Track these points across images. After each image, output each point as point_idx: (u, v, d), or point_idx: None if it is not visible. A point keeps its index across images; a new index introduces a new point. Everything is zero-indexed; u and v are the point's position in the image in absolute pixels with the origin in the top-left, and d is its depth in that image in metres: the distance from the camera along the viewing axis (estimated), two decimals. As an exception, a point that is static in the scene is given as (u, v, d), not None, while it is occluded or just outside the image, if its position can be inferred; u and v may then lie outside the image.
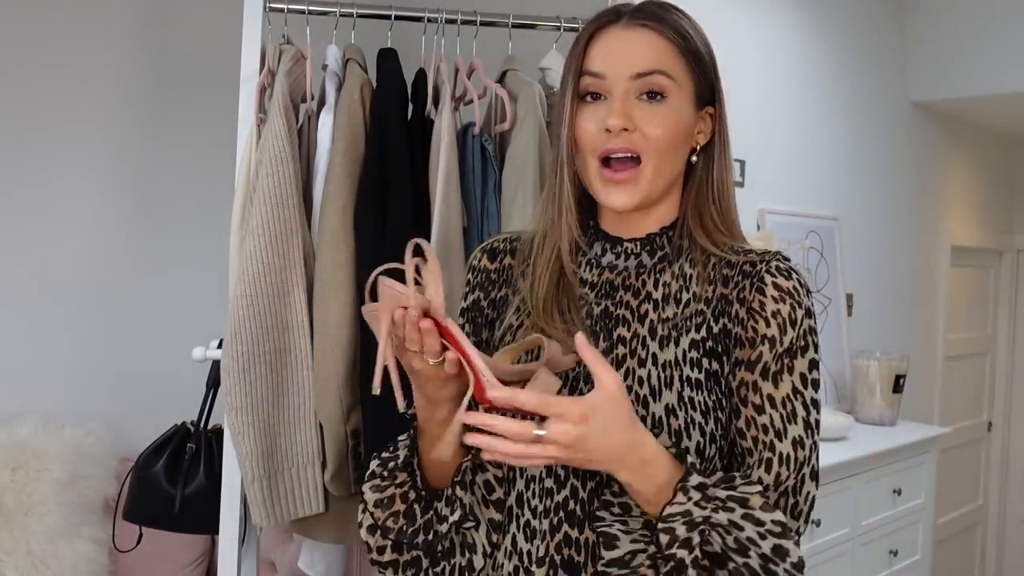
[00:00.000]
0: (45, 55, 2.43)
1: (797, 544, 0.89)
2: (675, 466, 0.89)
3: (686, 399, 0.96)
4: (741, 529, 0.86)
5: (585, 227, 1.08)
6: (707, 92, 1.04)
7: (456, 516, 0.98)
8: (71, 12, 2.45)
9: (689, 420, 0.95)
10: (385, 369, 0.86)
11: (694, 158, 1.04)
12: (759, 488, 0.89)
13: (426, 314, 0.85)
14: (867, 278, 3.53)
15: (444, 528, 0.99)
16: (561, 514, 0.97)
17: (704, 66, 1.03)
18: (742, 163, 2.88)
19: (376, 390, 0.85)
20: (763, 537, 0.86)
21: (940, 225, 4.06)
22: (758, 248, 1.03)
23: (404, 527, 0.99)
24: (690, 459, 0.90)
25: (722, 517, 0.86)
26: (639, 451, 0.86)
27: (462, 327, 1.10)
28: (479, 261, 1.13)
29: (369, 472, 1.03)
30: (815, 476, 0.95)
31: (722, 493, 0.87)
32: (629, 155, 0.98)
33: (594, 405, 0.82)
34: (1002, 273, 4.73)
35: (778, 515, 0.88)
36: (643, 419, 0.95)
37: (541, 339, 0.93)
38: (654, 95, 0.98)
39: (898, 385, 3.11)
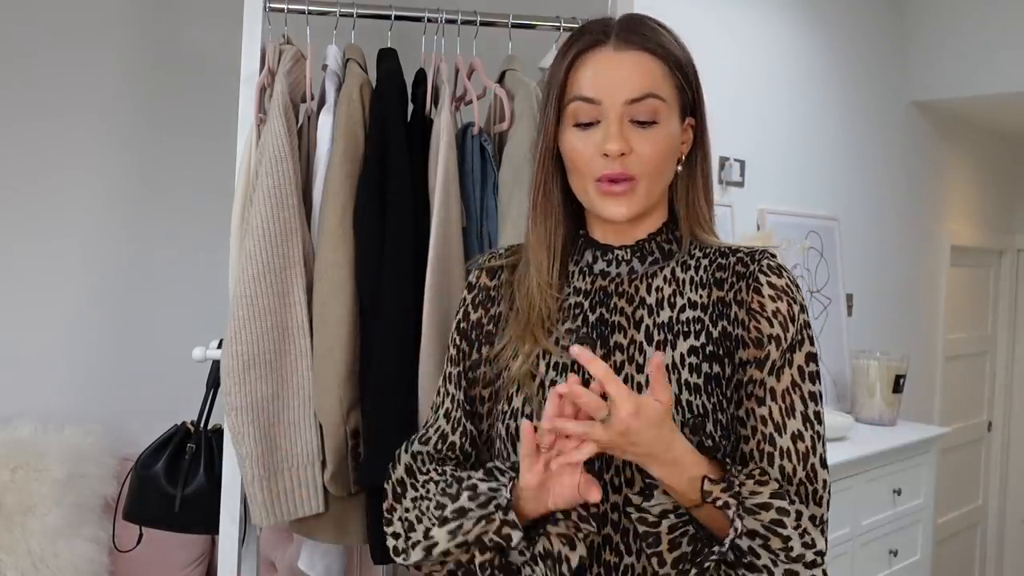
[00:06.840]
0: (46, 56, 2.43)
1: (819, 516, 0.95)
2: (704, 462, 0.93)
3: (683, 403, 0.98)
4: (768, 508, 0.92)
5: (574, 237, 1.11)
6: (689, 103, 1.06)
7: None
8: (71, 14, 2.46)
9: (684, 423, 0.98)
10: None
11: (679, 167, 1.07)
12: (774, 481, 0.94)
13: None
14: (867, 278, 3.53)
15: None
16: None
17: (688, 78, 1.05)
18: (742, 163, 2.88)
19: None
20: (786, 514, 0.92)
21: (940, 225, 4.06)
22: (745, 246, 1.06)
23: None
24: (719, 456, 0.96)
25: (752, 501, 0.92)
26: (670, 449, 0.90)
27: (458, 344, 1.14)
28: (478, 279, 1.15)
29: None
30: (824, 464, 0.99)
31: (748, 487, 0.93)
32: (625, 177, 1.01)
33: (643, 403, 0.87)
34: (1002, 273, 4.73)
35: (773, 486, 0.93)
36: None
37: None
38: (646, 123, 1.00)
39: (898, 385, 3.11)
